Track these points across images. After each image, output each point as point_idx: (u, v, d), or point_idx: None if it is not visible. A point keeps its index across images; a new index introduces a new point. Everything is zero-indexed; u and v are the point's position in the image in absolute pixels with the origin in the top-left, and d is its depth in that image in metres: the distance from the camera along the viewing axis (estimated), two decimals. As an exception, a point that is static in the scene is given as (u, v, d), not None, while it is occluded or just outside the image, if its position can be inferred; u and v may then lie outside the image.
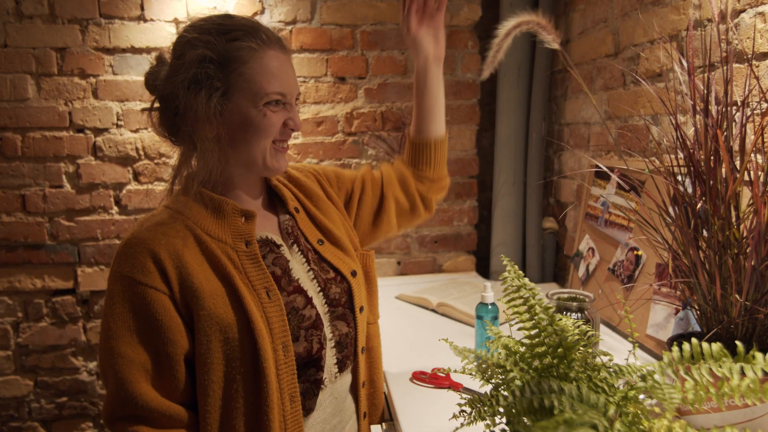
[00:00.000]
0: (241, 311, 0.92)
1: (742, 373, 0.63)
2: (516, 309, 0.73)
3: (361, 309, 1.09)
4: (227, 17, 0.99)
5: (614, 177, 1.56)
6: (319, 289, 1.04)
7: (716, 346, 0.66)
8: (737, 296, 0.85)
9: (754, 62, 1.11)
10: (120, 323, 0.89)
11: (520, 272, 0.76)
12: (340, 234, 1.13)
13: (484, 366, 0.74)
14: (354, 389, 1.11)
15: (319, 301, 1.03)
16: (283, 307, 0.96)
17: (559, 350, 0.69)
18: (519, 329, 0.73)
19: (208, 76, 0.93)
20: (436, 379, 1.23)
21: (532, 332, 0.71)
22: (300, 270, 1.04)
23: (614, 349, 1.38)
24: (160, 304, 0.89)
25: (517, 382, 0.65)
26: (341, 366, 1.05)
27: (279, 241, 1.04)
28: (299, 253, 1.06)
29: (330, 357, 1.02)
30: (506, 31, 1.03)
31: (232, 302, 0.92)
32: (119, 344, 0.88)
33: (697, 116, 0.89)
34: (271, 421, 0.91)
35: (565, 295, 1.25)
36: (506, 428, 0.67)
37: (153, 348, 0.89)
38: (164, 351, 0.89)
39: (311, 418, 1.00)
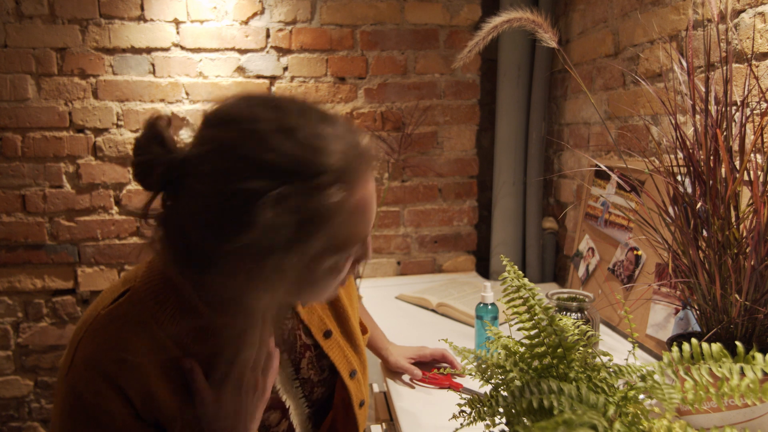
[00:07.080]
0: None
1: (742, 374, 0.63)
2: (515, 309, 0.73)
3: (361, 404, 0.96)
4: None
5: (614, 177, 1.56)
6: (302, 395, 0.90)
7: (716, 347, 0.66)
8: (737, 296, 0.84)
9: (753, 62, 1.11)
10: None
11: (520, 272, 0.76)
12: (354, 323, 0.97)
13: (483, 366, 0.74)
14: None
15: (298, 410, 0.89)
16: None
17: (559, 350, 0.69)
18: (519, 329, 0.73)
19: None
20: (436, 379, 1.23)
21: (532, 332, 0.71)
22: (283, 381, 0.88)
23: (614, 349, 1.38)
24: (127, 422, 0.69)
25: (517, 383, 0.65)
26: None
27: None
28: (289, 362, 0.89)
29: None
30: (493, 26, 0.96)
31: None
32: None
33: (697, 116, 0.89)
34: None
35: (565, 295, 1.25)
36: (506, 428, 0.67)
37: None
38: None
39: None
